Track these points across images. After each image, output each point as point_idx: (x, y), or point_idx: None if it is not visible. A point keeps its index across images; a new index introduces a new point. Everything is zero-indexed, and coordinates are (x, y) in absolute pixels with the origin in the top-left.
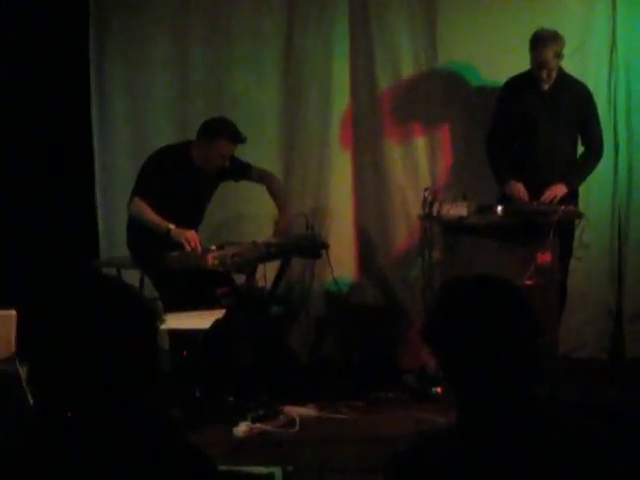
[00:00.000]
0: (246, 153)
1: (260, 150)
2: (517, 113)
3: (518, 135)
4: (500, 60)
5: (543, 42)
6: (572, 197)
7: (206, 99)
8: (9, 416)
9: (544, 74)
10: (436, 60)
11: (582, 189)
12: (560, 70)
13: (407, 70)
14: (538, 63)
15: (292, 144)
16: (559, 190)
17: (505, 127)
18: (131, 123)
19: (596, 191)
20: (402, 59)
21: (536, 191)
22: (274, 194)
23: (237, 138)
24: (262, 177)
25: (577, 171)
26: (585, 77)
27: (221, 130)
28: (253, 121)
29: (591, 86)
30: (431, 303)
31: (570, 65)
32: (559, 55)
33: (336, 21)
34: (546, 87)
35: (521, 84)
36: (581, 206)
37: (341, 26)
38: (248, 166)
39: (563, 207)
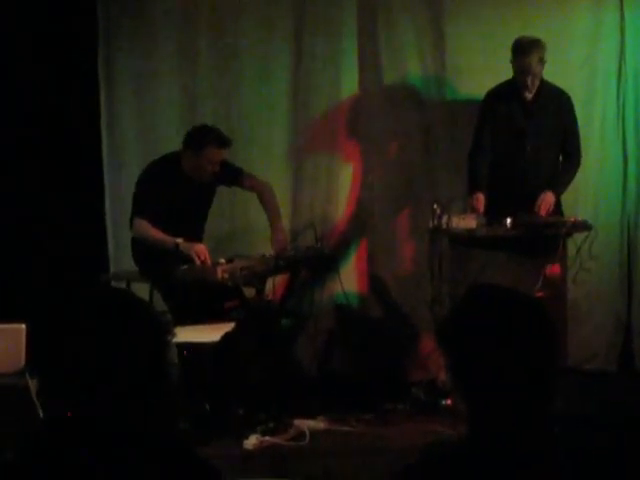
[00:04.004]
0: (255, 165)
1: (268, 162)
2: (501, 123)
3: (503, 145)
4: (507, 71)
5: (526, 49)
6: (558, 206)
7: (214, 112)
8: (19, 429)
9: (528, 80)
10: (444, 70)
11: (592, 200)
12: (541, 78)
13: (415, 78)
14: (522, 69)
15: (301, 156)
16: (550, 198)
17: (489, 136)
18: (141, 139)
19: (605, 203)
20: (409, 65)
21: (523, 200)
22: (266, 206)
23: (224, 143)
24: (253, 186)
25: (562, 179)
26: (594, 89)
27: (206, 137)
28: (262, 132)
29: (600, 98)
30: (455, 304)
31: (579, 77)
32: (542, 61)
33: (344, 35)
34: (529, 96)
35: (504, 93)
36: (590, 217)
37: (349, 36)
38: (240, 172)
39: (573, 219)
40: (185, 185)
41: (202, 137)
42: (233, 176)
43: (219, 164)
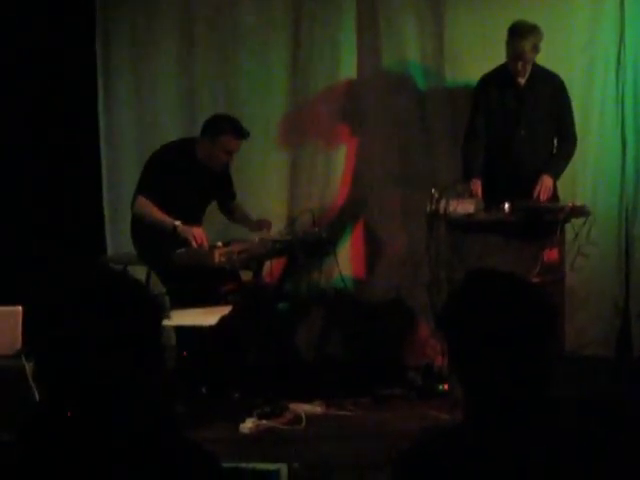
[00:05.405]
0: (254, 151)
1: (267, 147)
2: (495, 108)
3: (497, 130)
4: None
5: (522, 33)
6: (554, 190)
7: (212, 95)
8: (16, 411)
9: (519, 65)
10: (443, 56)
11: (590, 186)
12: (534, 63)
13: (413, 63)
14: (515, 54)
15: (298, 140)
16: (549, 182)
17: (483, 122)
18: (138, 123)
19: (603, 189)
20: (408, 50)
21: (519, 184)
22: (247, 217)
23: (241, 133)
24: (235, 210)
25: (558, 162)
26: (593, 74)
27: (224, 126)
28: (259, 117)
29: (599, 83)
30: (454, 288)
31: (579, 63)
32: (537, 48)
33: (343, 19)
34: (522, 81)
35: (497, 79)
36: (589, 203)
37: (349, 20)
38: (233, 196)
39: (572, 204)
40: (196, 172)
41: (219, 125)
42: (227, 193)
43: (232, 156)
